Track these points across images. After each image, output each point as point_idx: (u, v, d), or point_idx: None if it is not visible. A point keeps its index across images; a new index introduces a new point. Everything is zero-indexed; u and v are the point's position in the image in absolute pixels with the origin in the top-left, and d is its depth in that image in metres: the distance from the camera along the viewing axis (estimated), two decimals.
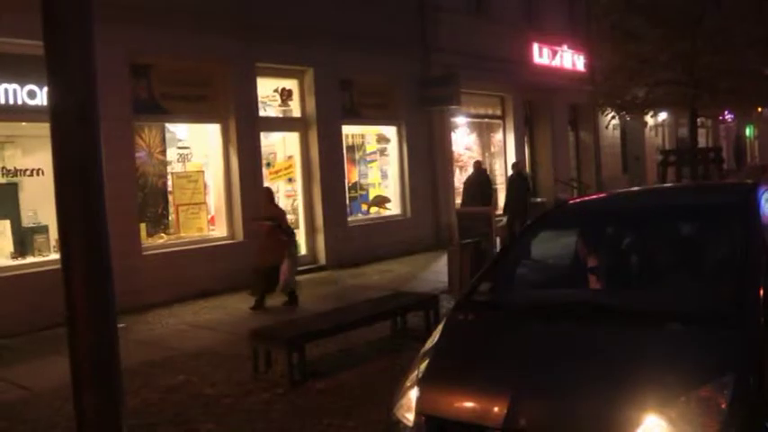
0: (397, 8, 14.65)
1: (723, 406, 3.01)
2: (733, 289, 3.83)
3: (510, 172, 15.59)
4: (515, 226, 13.38)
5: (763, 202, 4.87)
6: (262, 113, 12.38)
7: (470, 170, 15.72)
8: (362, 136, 14.77)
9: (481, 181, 14.18)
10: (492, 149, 18.12)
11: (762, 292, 3.68)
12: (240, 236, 11.67)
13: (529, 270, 5.10)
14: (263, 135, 12.32)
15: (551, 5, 19.14)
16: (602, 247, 5.00)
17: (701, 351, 3.35)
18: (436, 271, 11.87)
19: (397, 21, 14.64)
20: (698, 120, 19.13)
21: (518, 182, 14.42)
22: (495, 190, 15.85)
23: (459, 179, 16.45)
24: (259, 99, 12.25)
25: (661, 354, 3.39)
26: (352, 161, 14.47)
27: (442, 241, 14.56)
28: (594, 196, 7.12)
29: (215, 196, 11.90)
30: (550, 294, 4.60)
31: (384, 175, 15.02)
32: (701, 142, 26.87)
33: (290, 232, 10.02)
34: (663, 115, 23.51)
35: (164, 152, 11.29)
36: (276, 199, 11.05)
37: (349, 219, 13.84)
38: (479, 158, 16.26)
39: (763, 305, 3.62)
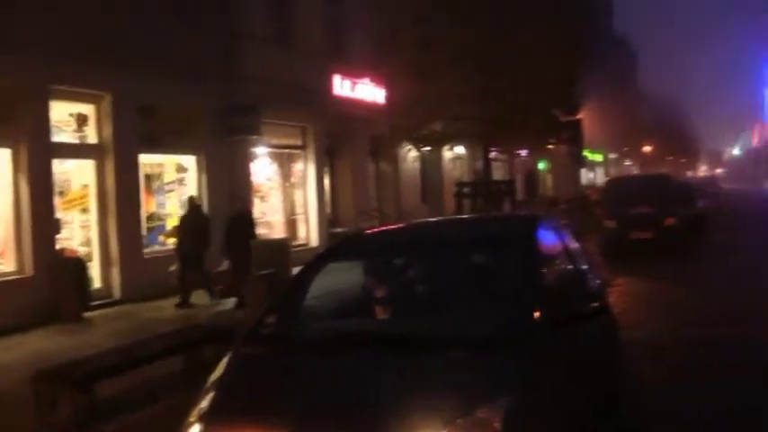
0: (202, 35, 15.94)
1: (498, 426, 3.53)
2: (511, 314, 4.46)
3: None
4: (241, 271, 13.05)
5: (545, 232, 5.94)
6: (56, 139, 13.04)
7: (272, 200, 17.35)
8: (161, 165, 15.94)
9: (195, 218, 13.84)
10: (293, 180, 19.91)
11: (537, 315, 4.39)
12: (31, 270, 12.23)
13: (318, 301, 5.53)
14: (56, 162, 12.96)
15: (355, 38, 21.53)
16: (390, 277, 5.53)
17: (479, 375, 3.88)
18: (233, 303, 12.90)
19: (202, 48, 15.92)
20: (492, 153, 22.26)
21: (239, 221, 13.77)
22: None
23: (260, 209, 18.07)
24: (53, 123, 12.92)
25: (441, 379, 3.88)
26: (150, 191, 15.54)
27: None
28: (388, 227, 8.01)
29: (2, 227, 12.34)
30: (336, 325, 5.06)
31: (183, 206, 16.19)
32: (498, 175, 30.64)
33: None
34: (460, 148, 26.67)
35: None
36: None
37: (145, 250, 14.78)
38: (194, 194, 15.52)
39: (539, 329, 4.33)
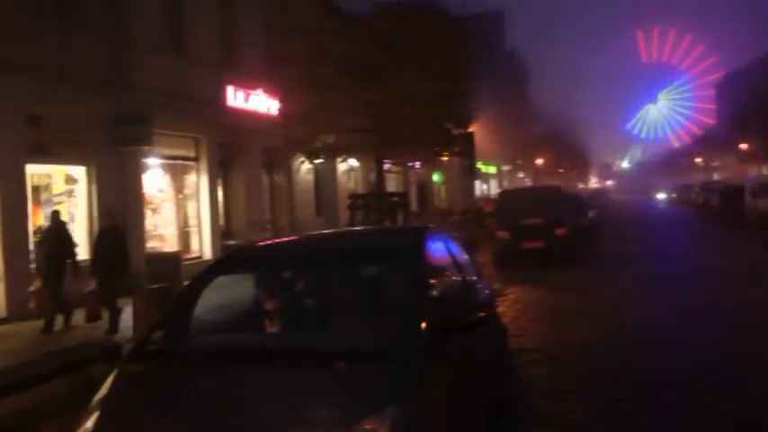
0: (93, 42, 16.09)
1: None
2: (399, 325, 4.64)
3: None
4: (109, 288, 12.85)
5: (435, 244, 6.20)
6: None
7: (165, 212, 17.57)
8: (49, 176, 15.94)
9: (57, 233, 13.11)
10: (186, 192, 20.14)
11: (424, 326, 4.58)
12: None
13: (207, 316, 5.62)
14: None
15: (249, 49, 22.02)
16: (280, 289, 5.66)
17: (367, 386, 4.03)
18: (124, 318, 12.67)
19: (92, 55, 16.06)
20: (386, 165, 23.04)
21: (110, 235, 13.20)
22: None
23: (152, 222, 18.26)
24: None
25: (328, 391, 4.06)
26: (38, 203, 15.51)
27: (133, 287, 16.03)
28: (280, 239, 8.17)
29: None
30: (225, 340, 5.17)
31: (72, 218, 16.21)
32: (392, 187, 31.56)
33: None
34: (354, 160, 27.42)
35: None
36: None
37: (33, 266, 14.47)
38: (57, 208, 14.67)
39: (426, 339, 4.53)
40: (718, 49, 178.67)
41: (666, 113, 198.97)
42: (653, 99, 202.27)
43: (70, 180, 16.41)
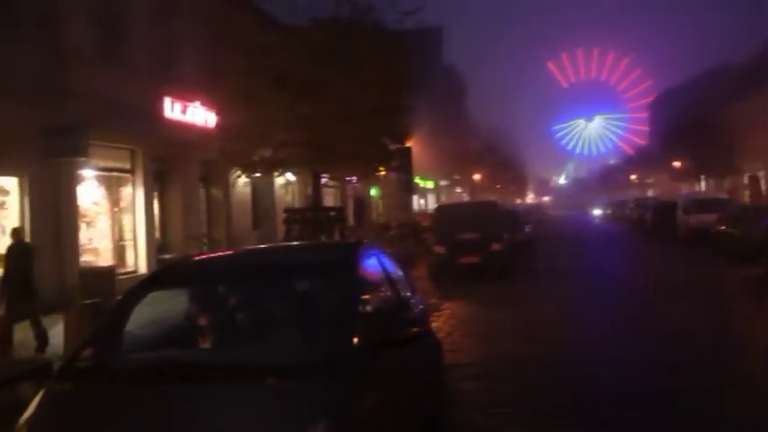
0: (26, 50, 16.10)
1: None
2: (330, 340, 4.72)
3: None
4: (17, 308, 12.50)
5: (368, 259, 6.34)
6: None
7: (100, 225, 17.59)
8: None
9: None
10: (121, 204, 20.15)
11: (357, 341, 4.68)
12: None
13: (139, 331, 5.57)
14: None
15: (187, 61, 22.16)
16: (213, 305, 5.75)
17: (299, 401, 4.12)
18: (55, 335, 12.65)
19: (25, 64, 16.03)
20: (323, 180, 23.29)
21: (19, 252, 12.87)
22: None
23: (86, 235, 18.25)
24: None
25: (261, 407, 4.14)
26: None
27: (68, 302, 15.99)
28: (214, 254, 8.25)
29: None
30: (155, 356, 5.14)
31: (3, 231, 16.14)
32: (330, 201, 31.86)
33: None
34: (291, 175, 27.66)
35: None
36: None
37: None
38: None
39: (358, 354, 4.63)
40: (653, 71, 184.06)
41: (601, 132, 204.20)
42: (588, 116, 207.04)
43: (2, 192, 16.36)
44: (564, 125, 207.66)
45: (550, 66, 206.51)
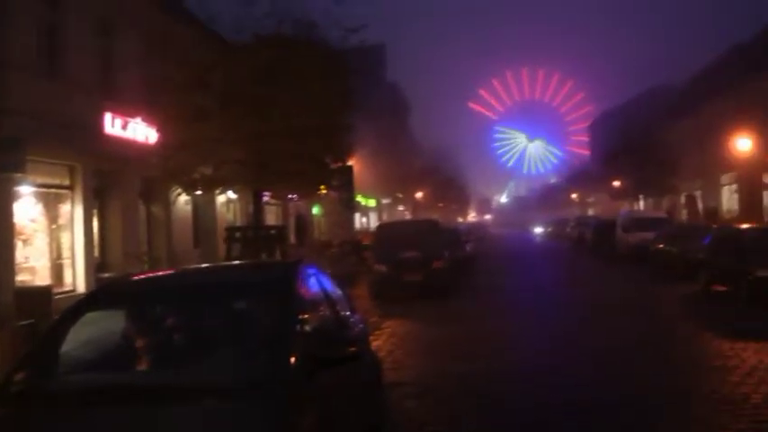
0: None
1: None
2: (268, 360, 4.84)
3: None
4: None
5: (306, 279, 6.45)
6: None
7: (37, 243, 17.43)
8: None
9: None
10: (59, 222, 20.01)
11: (294, 360, 4.81)
12: None
13: (76, 352, 5.51)
14: None
15: (129, 75, 22.08)
16: (150, 325, 5.76)
17: (235, 422, 4.21)
18: None
19: None
20: (265, 198, 23.39)
21: None
22: None
23: (23, 253, 18.11)
24: None
25: (196, 429, 4.22)
26: None
27: (2, 323, 15.82)
28: (152, 273, 8.22)
29: None
30: (92, 378, 5.14)
31: None
32: (271, 220, 31.96)
33: None
34: (232, 193, 27.71)
35: None
36: None
37: None
38: None
39: (295, 374, 4.75)
40: (594, 92, 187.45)
41: (542, 153, 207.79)
42: (530, 135, 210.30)
43: None
44: (503, 135, 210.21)
45: (478, 101, 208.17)
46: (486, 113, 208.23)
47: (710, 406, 9.04)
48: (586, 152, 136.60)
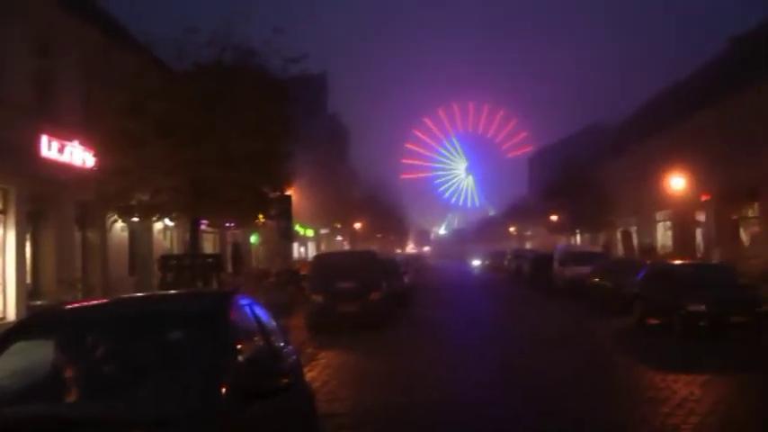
0: None
1: None
2: (198, 392, 4.85)
3: None
4: None
5: (240, 309, 6.51)
6: None
7: None
8: None
9: None
10: None
11: (225, 392, 4.85)
12: None
13: (3, 383, 5.46)
14: None
15: (66, 98, 22.03)
16: (81, 355, 5.71)
17: None
18: None
19: None
20: (203, 226, 23.40)
21: None
22: None
23: None
24: None
25: None
26: None
27: None
28: (87, 302, 8.15)
29: None
30: (20, 410, 5.07)
31: None
32: (209, 248, 31.93)
33: None
34: (170, 220, 27.67)
35: None
36: None
37: None
38: None
39: (226, 404, 4.80)
40: (533, 128, 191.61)
41: (479, 187, 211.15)
42: (468, 168, 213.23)
43: None
44: (442, 169, 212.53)
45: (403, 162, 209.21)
46: (418, 173, 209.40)
47: None
48: (524, 183, 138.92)
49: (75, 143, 21.76)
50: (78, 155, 21.96)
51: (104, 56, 22.50)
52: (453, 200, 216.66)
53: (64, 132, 21.34)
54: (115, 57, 22.59)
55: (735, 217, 39.54)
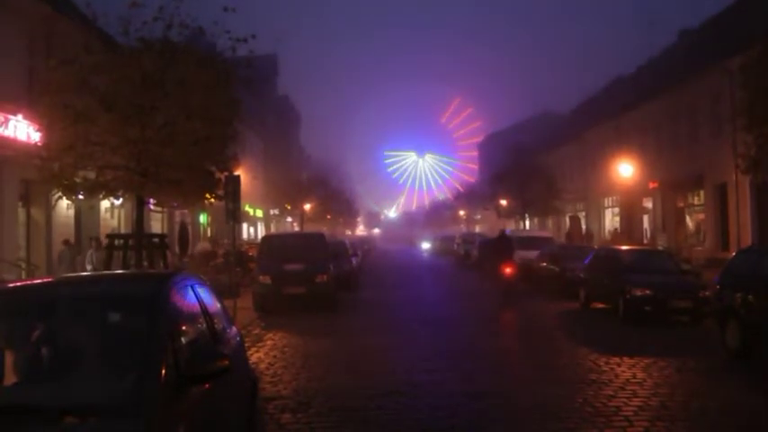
0: None
1: None
2: (136, 376, 4.74)
3: None
4: None
5: (180, 291, 6.30)
6: None
7: None
8: None
9: None
10: None
11: (163, 376, 4.75)
12: None
13: None
14: None
15: (9, 72, 21.60)
16: (15, 338, 5.56)
17: None
18: None
19: None
20: (150, 205, 23.13)
21: None
22: None
23: None
24: None
25: None
26: None
27: None
28: (29, 281, 8.08)
29: None
30: None
31: None
32: (157, 228, 31.60)
33: None
34: (117, 199, 27.33)
35: None
36: None
37: None
38: None
39: (163, 389, 4.68)
40: (484, 113, 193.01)
41: (430, 171, 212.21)
42: (420, 152, 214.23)
43: None
44: (394, 154, 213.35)
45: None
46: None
47: (582, 418, 9.67)
48: (474, 166, 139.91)
49: (20, 117, 21.31)
50: (23, 129, 21.50)
51: (49, 26, 22.05)
52: (401, 182, 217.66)
53: (7, 105, 20.86)
54: (60, 29, 22.18)
55: (681, 204, 40.41)
